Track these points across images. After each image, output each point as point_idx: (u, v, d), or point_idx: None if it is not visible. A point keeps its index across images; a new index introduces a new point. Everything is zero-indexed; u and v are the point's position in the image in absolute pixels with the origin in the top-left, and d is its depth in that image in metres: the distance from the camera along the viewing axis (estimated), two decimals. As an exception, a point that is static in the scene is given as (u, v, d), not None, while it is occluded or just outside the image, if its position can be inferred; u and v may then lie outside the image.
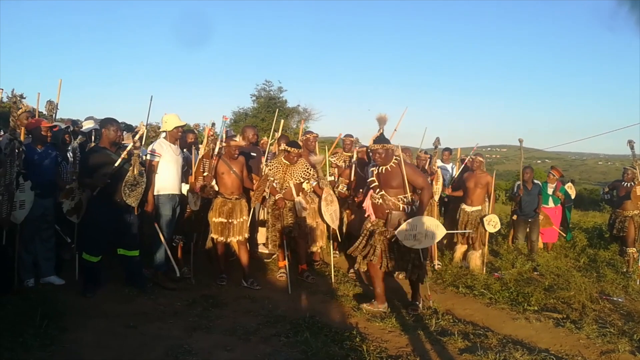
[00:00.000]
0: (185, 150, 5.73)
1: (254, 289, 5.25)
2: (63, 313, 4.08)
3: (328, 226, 6.02)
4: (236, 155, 5.33)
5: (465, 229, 6.64)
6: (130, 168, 4.61)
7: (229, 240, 5.26)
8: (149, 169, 4.96)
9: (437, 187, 6.55)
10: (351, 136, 6.80)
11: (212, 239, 5.31)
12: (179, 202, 5.35)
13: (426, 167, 6.70)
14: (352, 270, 6.07)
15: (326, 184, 5.75)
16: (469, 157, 7.22)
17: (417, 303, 4.94)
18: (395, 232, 4.55)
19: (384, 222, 4.72)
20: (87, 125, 6.51)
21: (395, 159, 4.74)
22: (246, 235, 5.39)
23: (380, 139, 4.77)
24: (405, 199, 4.73)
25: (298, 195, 5.59)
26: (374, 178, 4.81)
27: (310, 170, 5.67)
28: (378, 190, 4.77)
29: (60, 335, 3.66)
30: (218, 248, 5.34)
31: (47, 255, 4.88)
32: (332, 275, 5.70)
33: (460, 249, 6.82)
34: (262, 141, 7.19)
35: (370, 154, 4.90)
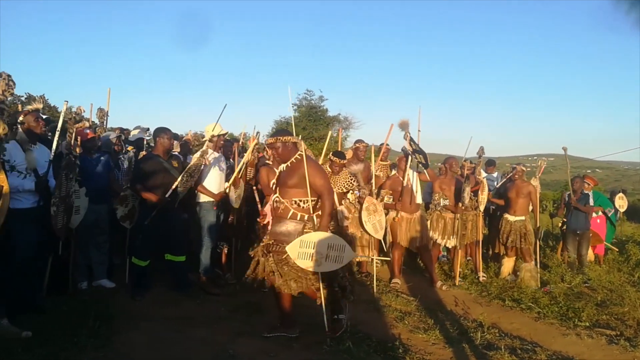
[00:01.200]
0: (231, 159, 5.87)
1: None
2: (114, 315, 4.24)
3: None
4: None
5: (507, 239, 6.48)
6: (199, 157, 4.94)
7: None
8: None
9: (483, 197, 6.42)
10: (387, 145, 6.77)
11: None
12: (223, 209, 5.47)
13: (470, 176, 6.59)
14: (394, 281, 6.02)
15: (367, 193, 5.73)
16: (512, 167, 7.06)
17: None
18: (286, 248, 3.70)
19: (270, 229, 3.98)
20: (134, 134, 6.79)
21: (299, 155, 3.91)
22: None
23: (279, 132, 4.03)
24: (302, 203, 3.88)
25: (340, 204, 5.61)
26: (274, 178, 4.09)
27: (353, 180, 5.69)
28: (275, 190, 4.02)
29: (112, 336, 3.80)
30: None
31: (101, 260, 5.09)
32: (374, 285, 5.66)
33: (509, 261, 6.63)
34: None
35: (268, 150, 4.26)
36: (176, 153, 5.74)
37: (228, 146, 5.87)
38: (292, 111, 26.51)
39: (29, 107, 4.03)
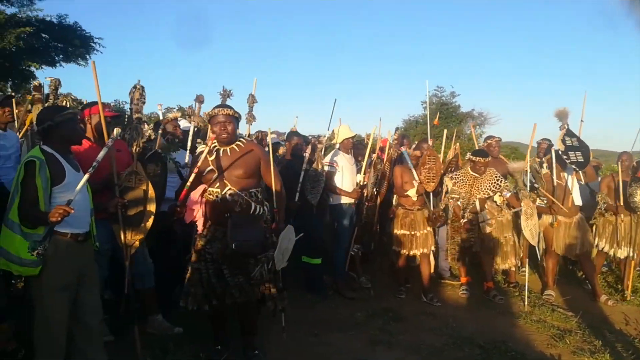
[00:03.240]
0: (360, 160, 5.75)
1: (434, 305, 4.94)
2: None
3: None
4: (413, 164, 5.13)
5: None
6: (315, 162, 4.83)
7: (411, 253, 5.04)
8: (328, 179, 5.06)
9: None
10: (548, 140, 6.02)
11: (395, 251, 5.16)
12: (356, 212, 5.35)
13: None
14: (548, 293, 5.33)
15: (526, 195, 5.13)
16: None
17: (257, 352, 3.43)
18: (274, 255, 3.12)
19: (224, 230, 3.15)
20: (272, 138, 6.97)
21: (244, 139, 3.35)
22: (432, 248, 5.14)
23: (227, 105, 3.31)
24: (258, 195, 3.26)
25: (483, 209, 5.13)
26: (212, 165, 3.21)
27: (500, 181, 5.14)
28: (218, 182, 3.22)
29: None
30: (400, 260, 5.17)
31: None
32: (526, 297, 5.07)
33: None
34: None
35: (210, 123, 3.35)
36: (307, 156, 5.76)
37: (358, 148, 5.74)
38: (425, 109, 25.92)
39: (169, 116, 4.34)
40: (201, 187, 3.20)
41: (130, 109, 3.79)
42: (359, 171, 5.40)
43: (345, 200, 5.16)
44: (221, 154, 3.23)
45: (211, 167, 3.20)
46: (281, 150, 5.88)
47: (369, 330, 4.22)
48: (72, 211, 2.33)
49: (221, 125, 3.19)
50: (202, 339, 3.68)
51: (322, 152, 5.21)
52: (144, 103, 3.46)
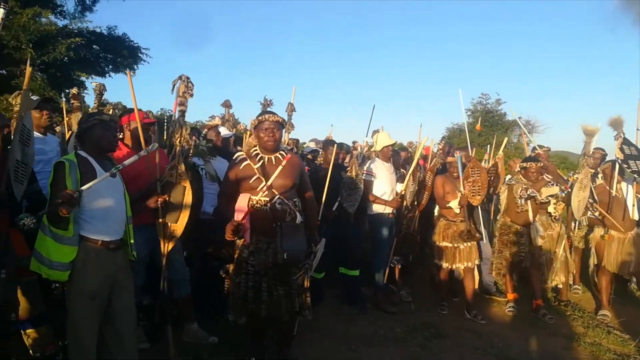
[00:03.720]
0: (401, 169, 5.60)
1: (478, 322, 4.70)
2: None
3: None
4: (455, 174, 4.92)
5: None
6: (349, 168, 4.69)
7: (454, 267, 4.82)
8: (366, 188, 4.94)
9: None
10: (602, 150, 5.67)
11: (436, 264, 4.96)
12: (395, 222, 5.19)
13: None
14: (602, 313, 4.96)
15: (588, 163, 5.02)
16: None
17: None
18: (312, 263, 3.18)
19: (269, 241, 3.05)
20: (309, 146, 6.94)
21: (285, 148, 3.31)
22: (476, 262, 4.89)
23: (271, 112, 3.21)
24: (299, 204, 3.20)
25: (535, 218, 4.85)
26: (258, 173, 3.07)
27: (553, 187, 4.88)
28: (266, 191, 3.07)
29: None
30: (442, 274, 4.96)
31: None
32: (569, 314, 4.71)
33: None
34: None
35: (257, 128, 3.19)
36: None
37: (394, 155, 5.59)
38: (469, 117, 25.32)
39: (210, 123, 4.32)
40: (246, 197, 3.04)
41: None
42: (399, 180, 5.25)
43: (384, 209, 5.01)
44: (266, 162, 3.14)
45: (257, 175, 3.08)
46: (320, 159, 5.82)
47: (409, 347, 4.05)
48: (76, 196, 2.31)
49: (269, 131, 3.11)
50: (237, 349, 3.62)
51: (359, 160, 5.08)
52: (191, 95, 3.34)
